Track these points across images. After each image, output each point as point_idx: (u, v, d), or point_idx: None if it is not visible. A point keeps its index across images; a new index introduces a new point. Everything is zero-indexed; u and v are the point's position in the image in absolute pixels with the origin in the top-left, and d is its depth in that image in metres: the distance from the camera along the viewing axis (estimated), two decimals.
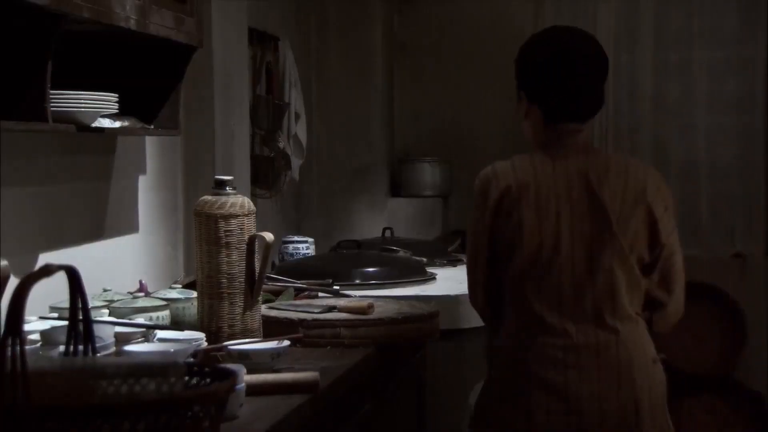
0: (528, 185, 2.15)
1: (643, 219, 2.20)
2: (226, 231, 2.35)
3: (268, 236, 2.37)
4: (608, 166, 2.19)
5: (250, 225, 2.38)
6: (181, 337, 2.25)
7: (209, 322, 2.37)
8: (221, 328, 2.35)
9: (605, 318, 2.16)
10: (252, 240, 2.37)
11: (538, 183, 2.15)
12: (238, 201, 2.38)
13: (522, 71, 2.27)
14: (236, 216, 2.36)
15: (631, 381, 2.18)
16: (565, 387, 2.11)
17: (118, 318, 2.33)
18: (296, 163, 4.29)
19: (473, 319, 3.29)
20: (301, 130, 4.30)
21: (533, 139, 2.26)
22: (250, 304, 2.38)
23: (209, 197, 2.39)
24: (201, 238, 2.37)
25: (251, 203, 2.42)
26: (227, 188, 2.39)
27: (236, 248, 2.36)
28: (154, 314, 2.41)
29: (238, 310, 2.36)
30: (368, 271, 3.44)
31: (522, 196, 2.15)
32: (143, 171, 3.06)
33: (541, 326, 2.14)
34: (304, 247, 3.97)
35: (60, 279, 1.41)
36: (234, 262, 2.36)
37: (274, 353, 2.14)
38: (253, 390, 1.92)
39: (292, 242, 3.98)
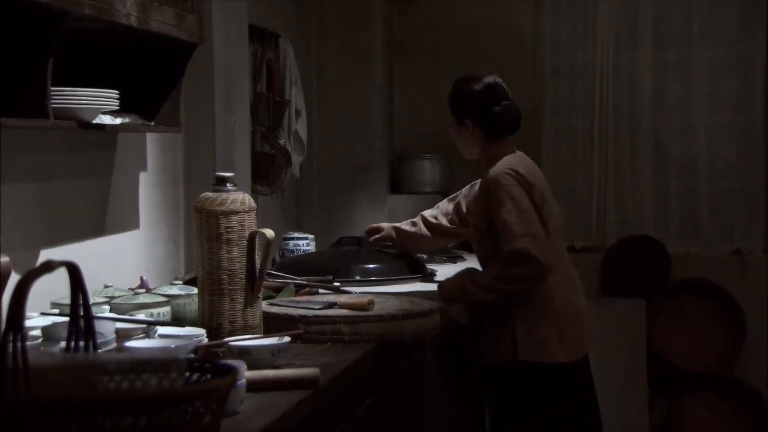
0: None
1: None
2: (226, 227, 2.35)
3: (269, 233, 2.37)
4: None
5: (250, 222, 2.39)
6: (182, 334, 2.25)
7: (210, 318, 2.37)
8: (222, 324, 2.36)
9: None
10: (252, 237, 2.38)
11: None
12: (239, 197, 2.38)
13: (465, 104, 3.15)
14: (237, 212, 2.36)
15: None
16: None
17: (119, 314, 2.34)
18: (297, 160, 4.29)
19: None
20: (301, 127, 4.30)
21: (474, 151, 3.15)
22: (250, 300, 2.38)
23: (210, 194, 2.39)
24: (201, 234, 2.38)
25: (252, 200, 2.42)
26: (228, 185, 2.39)
27: (237, 245, 2.36)
28: (154, 310, 2.41)
29: (239, 307, 2.37)
30: (368, 267, 3.44)
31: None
32: (144, 168, 3.06)
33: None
34: (304, 243, 3.97)
35: (61, 275, 1.42)
36: (234, 258, 2.36)
37: (275, 349, 2.15)
38: (254, 386, 1.92)
39: (293, 239, 3.98)
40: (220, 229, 2.35)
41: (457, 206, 3.47)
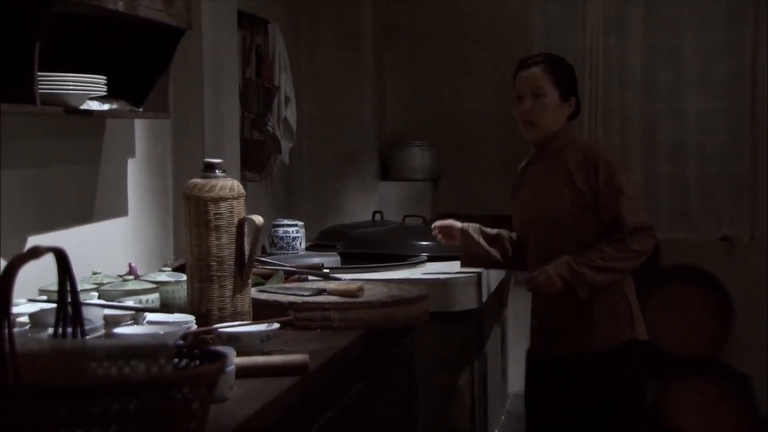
0: None
1: None
2: (215, 214, 2.35)
3: (258, 219, 2.37)
4: None
5: (239, 208, 2.38)
6: (171, 320, 2.25)
7: (199, 305, 2.37)
8: (211, 310, 2.35)
9: None
10: (242, 223, 2.37)
11: None
12: (228, 184, 2.38)
13: (574, 83, 3.03)
14: (226, 199, 2.35)
15: None
16: None
17: (107, 301, 2.33)
18: (286, 146, 4.28)
19: (462, 302, 3.31)
20: (291, 113, 4.29)
21: (555, 128, 2.95)
22: (239, 287, 2.38)
23: (199, 180, 2.38)
24: (190, 221, 2.37)
25: (241, 186, 2.41)
26: (217, 171, 2.39)
27: (226, 231, 2.36)
28: (143, 297, 2.41)
29: (228, 293, 2.36)
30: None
31: None
32: (132, 154, 3.05)
33: None
34: (294, 230, 3.97)
35: (49, 262, 1.41)
36: (224, 245, 2.36)
37: (264, 336, 2.14)
38: (243, 372, 1.92)
39: (282, 226, 3.98)
40: (209, 215, 2.34)
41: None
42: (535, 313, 3.01)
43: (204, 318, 2.34)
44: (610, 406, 2.86)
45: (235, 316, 2.36)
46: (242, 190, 2.41)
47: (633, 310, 2.90)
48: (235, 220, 2.36)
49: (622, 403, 2.87)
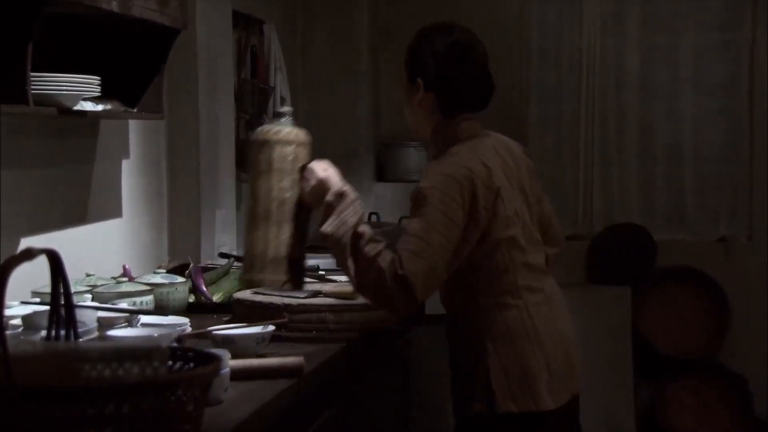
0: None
1: (538, 186, 2.43)
2: (279, 157, 2.46)
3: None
4: (508, 146, 2.40)
5: (303, 154, 2.48)
6: (165, 322, 2.24)
7: (253, 248, 2.42)
8: (266, 252, 2.40)
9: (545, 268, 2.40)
10: (304, 168, 2.33)
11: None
12: (294, 131, 2.51)
13: (421, 59, 2.34)
14: (291, 143, 2.48)
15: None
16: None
17: (101, 303, 2.32)
18: None
19: None
20: None
21: (424, 125, 2.36)
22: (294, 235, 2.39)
23: (267, 126, 2.53)
24: (258, 165, 2.45)
25: (307, 134, 2.53)
26: (285, 119, 2.53)
27: (289, 175, 2.45)
28: (137, 299, 2.40)
29: (284, 238, 2.42)
30: None
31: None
32: (127, 155, 3.04)
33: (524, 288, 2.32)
34: None
35: (42, 264, 1.40)
36: (285, 188, 2.46)
37: (259, 338, 2.14)
38: (238, 374, 1.91)
39: None
40: (272, 157, 2.45)
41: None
42: None
43: (259, 259, 2.41)
44: None
45: (285, 262, 2.39)
46: (307, 138, 2.52)
47: (494, 377, 2.21)
48: (298, 165, 2.40)
49: None
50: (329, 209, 2.22)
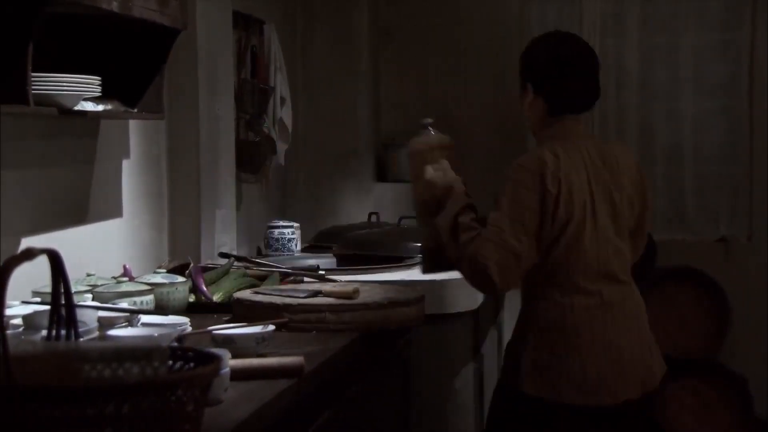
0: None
1: (641, 196, 2.57)
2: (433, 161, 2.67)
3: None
4: (608, 151, 2.54)
5: (451, 157, 2.67)
6: (166, 322, 2.24)
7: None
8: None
9: (619, 276, 2.54)
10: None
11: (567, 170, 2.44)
12: (441, 137, 2.72)
13: (530, 66, 2.59)
14: (443, 149, 2.69)
15: (645, 325, 2.60)
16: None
17: (101, 303, 2.32)
18: (281, 147, 4.27)
19: (458, 304, 3.30)
20: (286, 114, 4.27)
21: (535, 127, 2.59)
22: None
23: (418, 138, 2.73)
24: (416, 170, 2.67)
25: (451, 139, 2.73)
26: (429, 129, 2.72)
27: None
28: (138, 299, 2.40)
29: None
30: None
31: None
32: (127, 155, 3.04)
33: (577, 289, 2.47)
34: (289, 231, 3.96)
35: (43, 263, 1.40)
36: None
37: (259, 338, 2.14)
38: (238, 374, 1.91)
39: (278, 227, 3.97)
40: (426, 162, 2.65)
41: None
42: None
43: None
44: None
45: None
46: (451, 142, 2.71)
47: (525, 360, 2.44)
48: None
49: None
50: (440, 203, 2.53)
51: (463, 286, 3.30)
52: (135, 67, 2.70)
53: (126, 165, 3.02)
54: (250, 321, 2.35)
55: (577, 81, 2.53)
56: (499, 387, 2.59)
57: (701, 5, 4.89)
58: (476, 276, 2.39)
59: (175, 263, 2.90)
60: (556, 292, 2.43)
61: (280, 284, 2.89)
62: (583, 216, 2.41)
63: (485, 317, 3.93)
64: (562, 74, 2.52)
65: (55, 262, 1.39)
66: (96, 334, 2.10)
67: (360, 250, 3.66)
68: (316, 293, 2.61)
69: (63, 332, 1.44)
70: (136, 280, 2.58)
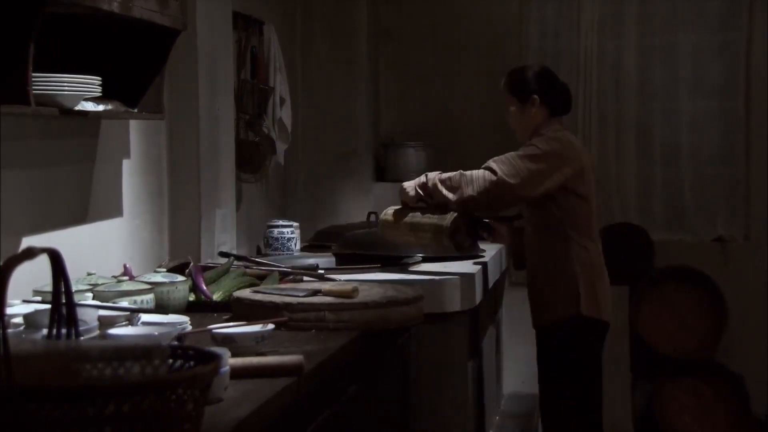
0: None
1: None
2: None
3: None
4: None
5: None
6: (166, 321, 2.25)
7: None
8: None
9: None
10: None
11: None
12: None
13: (534, 81, 3.33)
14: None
15: None
16: None
17: (102, 302, 2.33)
18: (281, 147, 4.28)
19: (457, 303, 3.31)
20: (285, 114, 4.28)
21: (529, 128, 3.32)
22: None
23: None
24: None
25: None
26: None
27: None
28: (138, 298, 2.41)
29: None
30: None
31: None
32: (127, 155, 3.05)
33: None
34: (289, 231, 3.97)
35: (44, 262, 1.41)
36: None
37: (259, 337, 2.14)
38: (238, 373, 1.92)
39: (277, 227, 3.98)
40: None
41: None
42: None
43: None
44: (558, 376, 3.27)
45: None
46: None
47: (581, 287, 3.20)
48: None
49: (566, 374, 3.25)
50: (423, 190, 3.30)
51: (462, 285, 3.31)
52: (135, 67, 2.71)
53: (126, 165, 3.03)
54: (250, 320, 2.36)
55: (565, 89, 3.35)
56: (545, 326, 3.28)
57: (699, 6, 4.91)
58: (488, 184, 3.20)
59: (175, 262, 2.91)
60: (585, 238, 3.23)
61: (280, 283, 2.90)
62: (591, 191, 3.27)
63: (484, 316, 3.94)
64: (557, 83, 3.34)
65: (56, 261, 1.40)
66: (96, 332, 2.11)
67: (359, 249, 3.67)
68: (315, 292, 2.61)
69: (63, 331, 1.45)
70: (136, 279, 2.58)
